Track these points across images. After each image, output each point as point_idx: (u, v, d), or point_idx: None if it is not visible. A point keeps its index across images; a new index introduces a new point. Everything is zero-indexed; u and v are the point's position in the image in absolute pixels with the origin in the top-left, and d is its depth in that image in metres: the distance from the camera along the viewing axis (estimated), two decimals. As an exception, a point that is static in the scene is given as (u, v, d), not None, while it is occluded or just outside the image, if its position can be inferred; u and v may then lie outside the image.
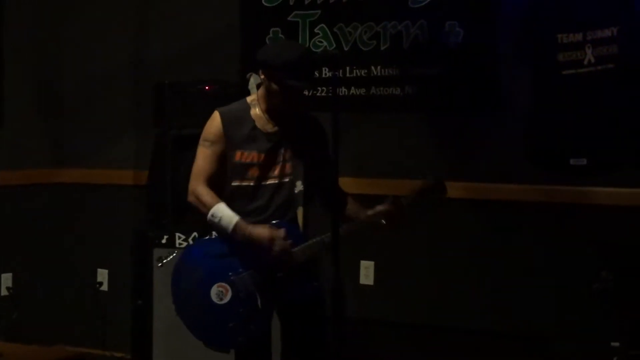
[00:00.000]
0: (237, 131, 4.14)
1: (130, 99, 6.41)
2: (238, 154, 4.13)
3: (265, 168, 4.14)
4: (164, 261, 5.40)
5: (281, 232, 4.05)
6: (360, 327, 5.48)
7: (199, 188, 4.12)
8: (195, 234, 5.38)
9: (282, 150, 4.16)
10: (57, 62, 6.57)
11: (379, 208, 4.18)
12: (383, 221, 4.17)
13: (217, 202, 4.08)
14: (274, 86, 4.07)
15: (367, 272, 5.72)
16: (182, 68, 6.13)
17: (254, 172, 4.13)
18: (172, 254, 5.36)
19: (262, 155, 4.13)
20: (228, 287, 4.10)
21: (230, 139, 4.13)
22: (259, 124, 4.16)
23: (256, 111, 4.18)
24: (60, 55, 6.58)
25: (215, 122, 4.16)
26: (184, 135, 5.53)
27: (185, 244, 5.41)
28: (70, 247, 6.57)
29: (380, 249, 5.60)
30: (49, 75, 6.55)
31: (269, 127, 4.17)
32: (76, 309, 6.55)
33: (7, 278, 6.17)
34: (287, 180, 4.16)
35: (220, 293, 4.10)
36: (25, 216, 6.32)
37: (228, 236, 4.08)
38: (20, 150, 6.26)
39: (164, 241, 5.50)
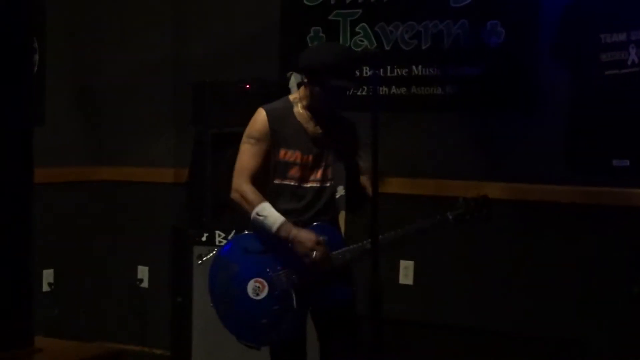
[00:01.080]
0: (282, 129, 4.14)
1: (170, 97, 6.44)
2: (282, 152, 4.14)
3: (307, 169, 4.15)
4: (204, 259, 5.40)
5: (324, 240, 4.05)
6: (399, 328, 5.48)
7: (243, 186, 4.11)
8: (234, 231, 5.39)
9: (326, 154, 4.17)
10: (97, 61, 6.61)
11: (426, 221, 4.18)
12: None
13: (263, 201, 4.08)
14: (318, 89, 4.08)
15: (406, 272, 5.71)
16: (222, 66, 6.15)
17: (295, 171, 4.14)
18: (212, 252, 5.35)
19: (306, 156, 4.14)
20: (265, 284, 4.11)
21: (275, 136, 4.13)
22: (303, 123, 4.17)
23: (299, 110, 4.19)
24: (100, 54, 6.61)
25: (260, 118, 4.15)
26: (224, 134, 5.55)
27: (224, 241, 5.42)
28: (110, 244, 6.62)
29: (419, 248, 5.58)
30: (89, 74, 6.59)
31: (313, 128, 4.18)
32: (116, 305, 6.60)
33: (49, 274, 6.21)
34: (328, 185, 4.18)
35: (256, 288, 4.11)
36: (66, 213, 6.37)
37: (271, 235, 4.08)
38: (61, 148, 6.31)
39: (203, 239, 5.52)
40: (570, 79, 5.24)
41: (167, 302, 5.93)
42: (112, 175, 6.61)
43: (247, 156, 4.15)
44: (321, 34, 5.92)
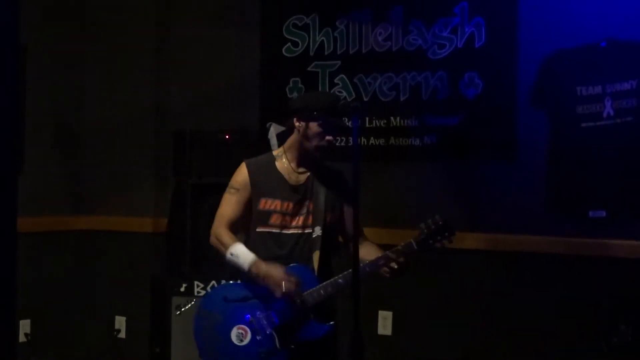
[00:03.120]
0: (263, 180, 4.29)
1: (150, 146, 6.45)
2: (262, 201, 4.26)
3: (287, 217, 4.26)
4: (183, 309, 5.40)
5: (293, 277, 4.12)
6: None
7: (219, 230, 4.28)
8: (213, 282, 5.39)
9: (307, 203, 4.29)
10: (77, 108, 6.63)
11: (392, 251, 4.20)
12: (394, 265, 4.16)
13: (236, 242, 4.24)
14: (317, 128, 4.20)
15: (385, 323, 5.72)
16: (202, 116, 6.17)
17: (276, 219, 4.25)
18: (191, 302, 5.38)
19: (286, 204, 4.26)
20: (247, 329, 4.20)
21: (255, 188, 4.28)
22: (285, 175, 4.30)
23: (282, 163, 4.33)
24: (81, 102, 6.64)
25: (242, 171, 4.33)
26: (204, 184, 5.57)
27: (203, 292, 5.43)
28: (88, 294, 6.59)
29: (398, 299, 5.60)
30: (69, 121, 6.61)
31: (296, 178, 4.31)
32: (94, 356, 6.55)
33: (26, 324, 6.18)
34: (308, 231, 4.27)
35: (240, 335, 4.20)
36: (44, 262, 6.34)
37: (245, 274, 4.20)
38: (40, 197, 6.29)
39: (182, 289, 5.51)
40: (548, 131, 5.29)
41: (145, 353, 5.90)
42: (91, 225, 6.60)
43: (226, 204, 4.32)
44: (300, 85, 5.96)
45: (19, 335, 6.10)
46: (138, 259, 6.40)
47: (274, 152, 4.42)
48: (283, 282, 4.10)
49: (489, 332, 5.46)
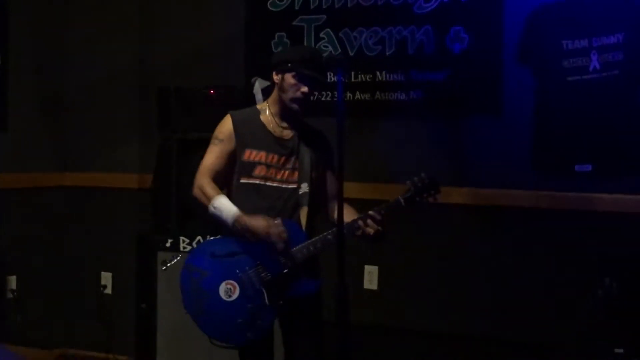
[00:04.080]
0: (247, 130, 4.29)
1: (135, 103, 6.41)
2: (247, 152, 4.27)
3: (272, 169, 4.28)
4: (168, 265, 5.39)
5: (277, 222, 4.13)
6: (363, 333, 5.48)
7: (202, 181, 4.26)
8: (199, 237, 5.39)
9: (293, 159, 4.30)
10: (61, 65, 6.57)
11: (380, 207, 4.21)
12: (370, 230, 4.18)
13: (219, 195, 4.22)
14: (291, 80, 4.21)
15: (371, 277, 5.73)
16: (186, 72, 6.14)
17: (259, 170, 4.27)
18: (176, 258, 5.37)
19: (270, 156, 4.27)
20: (236, 285, 4.19)
21: (240, 139, 4.28)
22: (268, 126, 4.32)
23: (267, 116, 4.34)
24: (65, 59, 6.57)
25: (226, 122, 4.33)
26: (189, 140, 5.54)
27: (189, 247, 5.42)
28: (74, 250, 6.57)
29: (384, 253, 5.60)
30: (54, 78, 6.55)
31: (280, 132, 4.32)
32: (80, 312, 6.55)
33: (12, 280, 6.16)
34: (293, 186, 4.28)
35: (228, 290, 4.19)
36: (29, 219, 6.32)
37: (229, 228, 4.18)
38: (25, 154, 6.26)
39: (168, 245, 5.50)
40: (534, 85, 5.29)
41: (131, 309, 5.90)
42: (76, 181, 6.57)
43: (210, 155, 4.31)
44: (285, 40, 5.92)
45: (5, 291, 6.10)
46: (123, 215, 6.39)
47: (259, 106, 4.42)
48: (270, 230, 4.10)
49: (475, 286, 5.48)
